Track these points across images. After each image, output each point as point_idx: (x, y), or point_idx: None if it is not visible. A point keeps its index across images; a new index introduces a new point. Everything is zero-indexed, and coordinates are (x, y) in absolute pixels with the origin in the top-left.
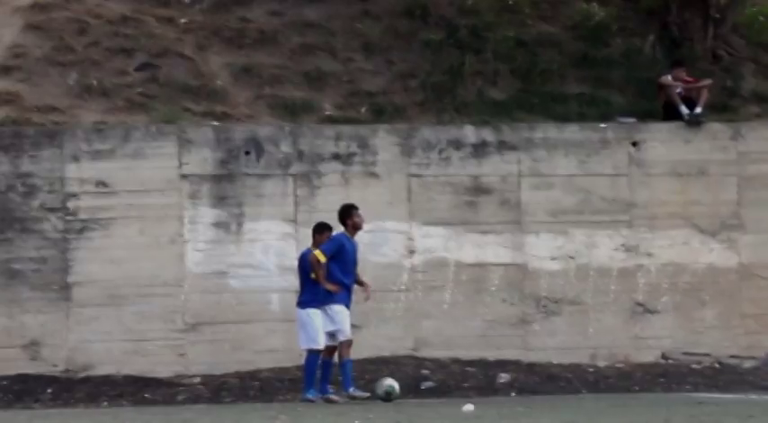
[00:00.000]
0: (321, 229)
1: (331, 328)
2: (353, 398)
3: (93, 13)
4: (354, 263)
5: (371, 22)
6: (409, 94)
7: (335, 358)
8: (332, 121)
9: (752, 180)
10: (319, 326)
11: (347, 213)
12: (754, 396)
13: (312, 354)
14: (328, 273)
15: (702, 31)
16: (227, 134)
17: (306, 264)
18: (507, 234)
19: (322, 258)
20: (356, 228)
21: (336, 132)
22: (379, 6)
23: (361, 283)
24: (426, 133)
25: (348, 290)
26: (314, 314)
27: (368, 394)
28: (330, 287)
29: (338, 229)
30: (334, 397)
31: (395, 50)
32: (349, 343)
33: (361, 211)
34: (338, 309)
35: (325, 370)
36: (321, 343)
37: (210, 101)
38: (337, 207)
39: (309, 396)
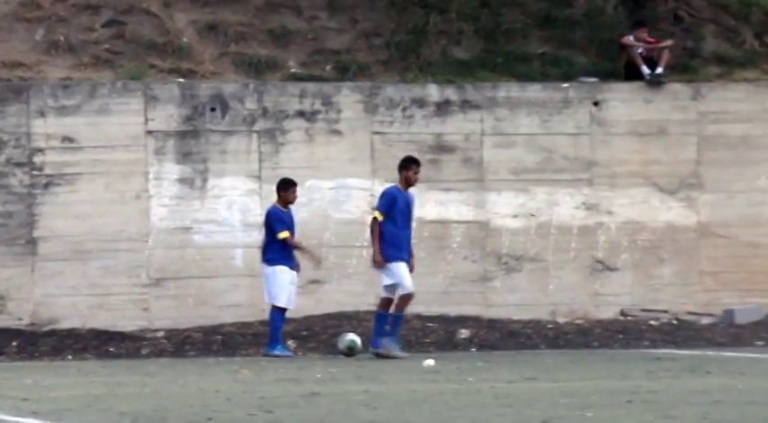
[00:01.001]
0: (286, 186)
1: (389, 281)
2: (379, 355)
3: None
4: (409, 215)
5: None
6: (373, 52)
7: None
8: (296, 78)
9: (711, 140)
10: (284, 283)
11: (405, 166)
12: (710, 352)
13: (275, 310)
14: (382, 228)
15: None
16: (193, 91)
17: (272, 220)
18: (469, 192)
19: (379, 217)
20: (408, 182)
21: (301, 90)
22: None
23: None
24: (390, 91)
25: (406, 245)
26: (279, 271)
27: (407, 355)
28: (376, 257)
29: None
30: (384, 352)
31: (359, 9)
32: (408, 296)
33: (419, 169)
34: (395, 264)
35: (378, 323)
36: (283, 300)
37: (176, 58)
38: (301, 163)
39: (277, 352)
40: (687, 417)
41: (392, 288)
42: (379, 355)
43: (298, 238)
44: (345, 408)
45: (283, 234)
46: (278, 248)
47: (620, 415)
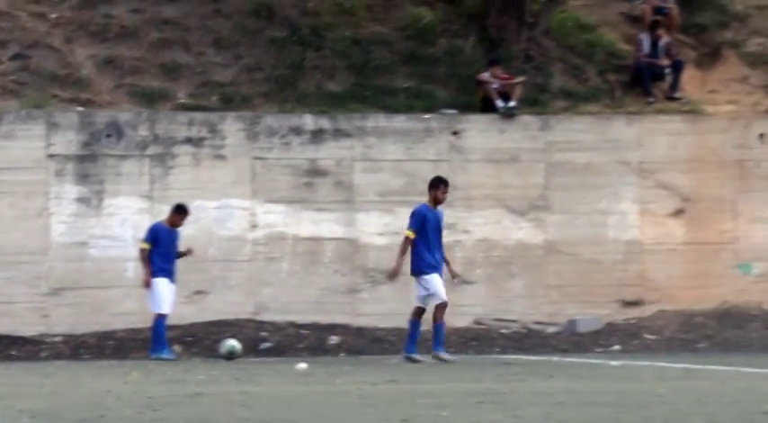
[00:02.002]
0: (179, 211)
1: (424, 292)
2: (441, 359)
3: None
4: (439, 230)
5: (222, 20)
6: (255, 85)
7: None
8: (185, 108)
9: (558, 166)
10: (164, 293)
11: (434, 185)
12: (555, 358)
13: (158, 317)
14: (414, 244)
15: (517, 33)
16: (91, 119)
17: (146, 232)
18: (340, 212)
19: (411, 235)
20: (437, 200)
21: (189, 118)
22: (230, 6)
23: (446, 262)
24: (269, 121)
25: (438, 258)
26: (160, 282)
27: (454, 358)
28: (395, 269)
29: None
30: (417, 357)
31: (243, 46)
32: (443, 305)
33: (447, 188)
34: (429, 277)
35: (412, 330)
36: (165, 308)
37: (76, 88)
38: (188, 185)
39: (164, 355)
40: (532, 416)
41: (425, 298)
42: (411, 360)
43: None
44: (225, 407)
45: (143, 245)
46: (159, 261)
47: (472, 414)
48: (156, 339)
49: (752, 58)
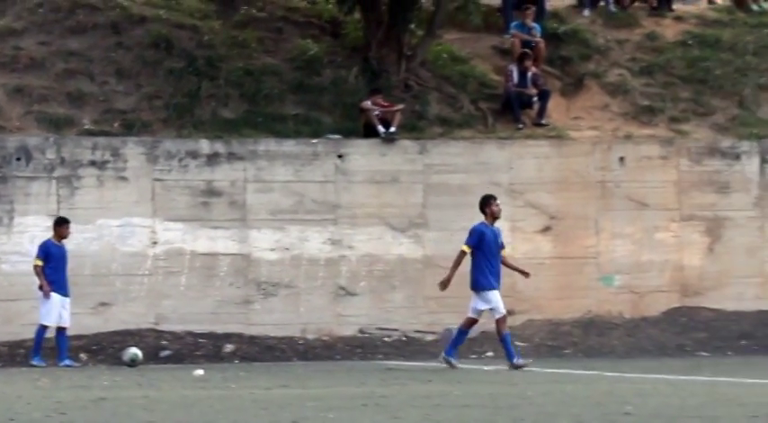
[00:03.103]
0: (60, 223)
1: (484, 306)
2: (517, 367)
3: None
4: (497, 247)
5: (124, 51)
6: (154, 112)
7: (473, 331)
8: (89, 133)
9: (435, 187)
10: (51, 306)
11: (486, 203)
12: (433, 364)
13: (41, 327)
14: (475, 260)
15: (397, 65)
16: (2, 143)
17: (38, 250)
18: (234, 229)
19: (466, 250)
20: (494, 216)
21: (93, 143)
22: (131, 39)
23: (514, 268)
24: (168, 145)
25: (496, 273)
26: (52, 296)
27: (530, 360)
28: (447, 279)
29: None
30: (454, 362)
31: (143, 76)
32: (503, 318)
33: (498, 202)
34: (490, 292)
35: (458, 337)
36: (49, 320)
37: None
38: (93, 205)
39: (35, 362)
40: (411, 417)
41: (481, 312)
42: (448, 363)
43: (89, 268)
44: (127, 410)
45: (36, 261)
46: (51, 275)
47: (357, 416)
48: (35, 346)
49: (612, 88)
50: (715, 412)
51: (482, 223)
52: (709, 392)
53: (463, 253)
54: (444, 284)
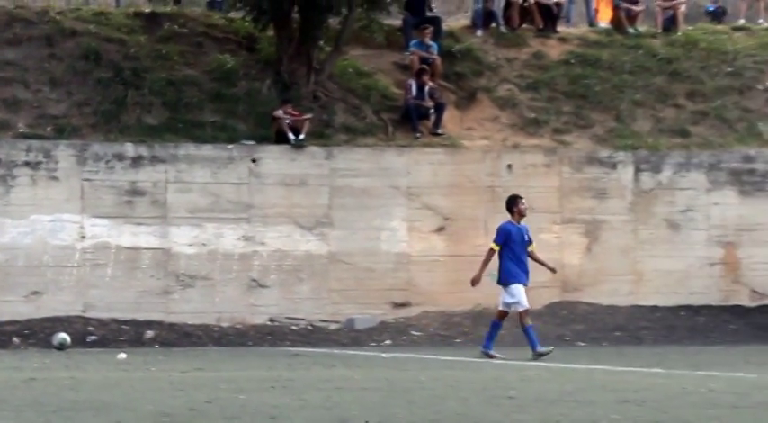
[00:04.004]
0: None
1: (510, 300)
2: (541, 354)
3: None
4: (523, 243)
5: (56, 62)
6: (84, 117)
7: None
8: (24, 136)
9: (340, 190)
10: None
11: (513, 203)
12: (336, 350)
13: None
14: (503, 257)
15: (306, 77)
16: None
17: None
18: (156, 226)
19: (495, 248)
20: (521, 214)
21: (27, 145)
22: (63, 50)
23: (541, 262)
24: (96, 148)
25: (523, 268)
26: None
27: (552, 348)
28: (477, 276)
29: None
30: (493, 353)
31: (74, 84)
32: (526, 312)
33: (524, 201)
34: (514, 287)
35: (492, 330)
36: None
37: None
38: (27, 202)
39: None
40: (315, 399)
41: (510, 305)
42: (488, 356)
43: (22, 259)
44: (55, 390)
45: None
46: None
47: (266, 397)
48: None
49: (501, 102)
50: (590, 397)
51: (508, 222)
52: (585, 379)
53: (492, 251)
54: (475, 281)
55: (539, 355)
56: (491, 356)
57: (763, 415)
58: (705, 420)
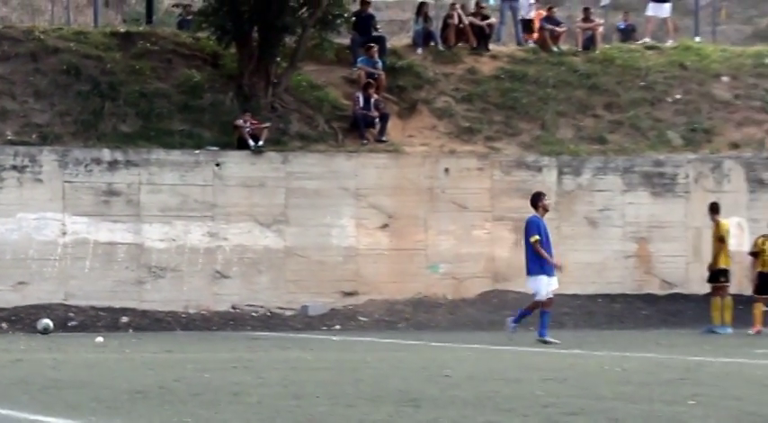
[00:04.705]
0: None
1: (550, 288)
2: (545, 341)
3: None
4: (548, 236)
5: (41, 76)
6: (66, 126)
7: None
8: (12, 143)
9: (294, 191)
10: None
11: (538, 198)
12: (291, 334)
13: None
14: (528, 249)
15: (265, 90)
16: None
17: None
18: (130, 223)
19: (537, 239)
20: (545, 209)
21: (14, 151)
22: (46, 66)
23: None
24: (77, 153)
25: (547, 260)
26: None
27: (558, 342)
28: (556, 264)
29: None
30: (549, 339)
31: (56, 96)
32: (538, 303)
33: (547, 197)
34: (537, 277)
35: (542, 318)
36: None
37: None
38: (14, 201)
39: None
40: (272, 377)
41: (547, 293)
42: (544, 342)
43: (9, 253)
44: (39, 370)
45: None
46: None
47: (228, 376)
48: None
49: (439, 112)
50: (517, 375)
51: (535, 216)
52: (513, 359)
53: (537, 241)
54: (558, 267)
55: (541, 342)
56: (547, 342)
57: (670, 390)
58: (619, 395)
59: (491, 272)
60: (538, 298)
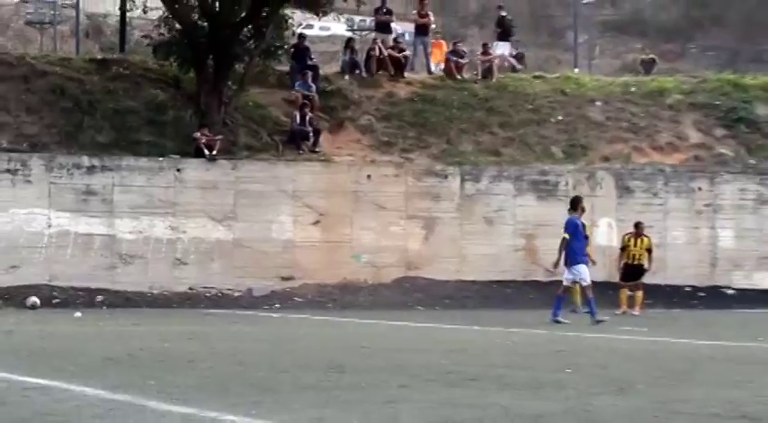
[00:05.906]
0: None
1: (572, 277)
2: (599, 321)
3: None
4: (586, 235)
5: (31, 94)
6: (51, 136)
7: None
8: (7, 150)
9: (242, 192)
10: None
11: (579, 202)
12: (239, 312)
13: None
14: (571, 244)
15: (218, 108)
16: None
17: None
18: (104, 218)
19: (567, 237)
20: (583, 210)
21: (8, 157)
22: (36, 86)
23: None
24: (61, 159)
25: (582, 252)
26: None
27: (606, 318)
28: (557, 261)
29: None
30: (562, 320)
31: (44, 111)
32: (587, 287)
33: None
34: (579, 266)
35: (558, 302)
36: None
37: None
38: (8, 199)
39: None
40: (222, 347)
41: (573, 281)
42: (557, 322)
43: (3, 242)
44: (28, 340)
45: None
46: None
47: (185, 345)
48: None
49: (363, 129)
50: (425, 347)
51: (575, 217)
52: (421, 334)
53: (564, 239)
54: (556, 265)
55: (597, 322)
56: (560, 322)
57: (551, 360)
58: (510, 364)
59: (404, 261)
60: (585, 284)
